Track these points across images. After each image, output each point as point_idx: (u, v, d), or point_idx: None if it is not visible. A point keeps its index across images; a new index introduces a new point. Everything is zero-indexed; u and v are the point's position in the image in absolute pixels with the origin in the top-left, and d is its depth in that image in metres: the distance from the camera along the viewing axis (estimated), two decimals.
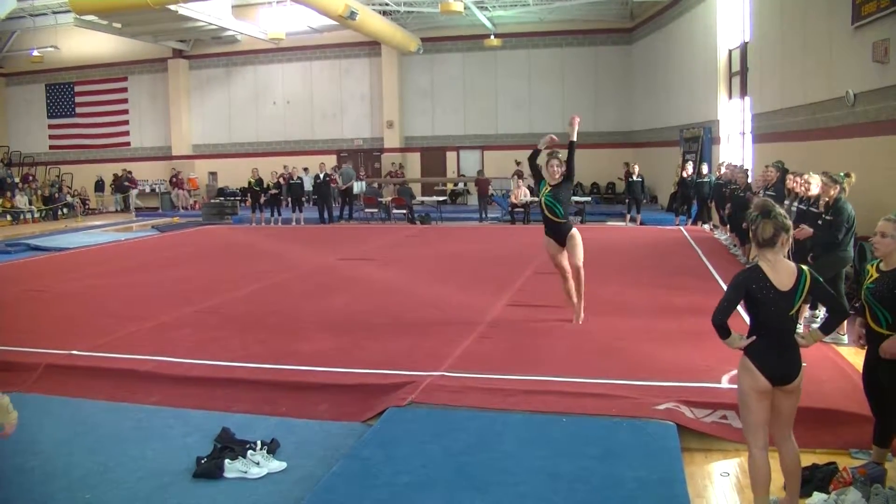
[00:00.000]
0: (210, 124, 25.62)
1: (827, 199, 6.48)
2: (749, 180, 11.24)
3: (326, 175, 18.92)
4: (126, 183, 24.52)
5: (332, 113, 24.64)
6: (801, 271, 3.31)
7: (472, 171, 23.54)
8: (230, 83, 25.31)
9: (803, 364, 3.37)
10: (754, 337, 3.33)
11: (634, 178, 16.82)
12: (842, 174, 6.50)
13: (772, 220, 3.28)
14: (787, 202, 8.60)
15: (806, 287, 3.28)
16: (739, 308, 3.48)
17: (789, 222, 3.34)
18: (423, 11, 21.01)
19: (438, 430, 4.43)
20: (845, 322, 6.20)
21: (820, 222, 6.64)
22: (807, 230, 6.58)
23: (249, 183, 19.04)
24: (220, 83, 25.43)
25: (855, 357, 5.81)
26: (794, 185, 7.79)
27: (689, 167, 16.03)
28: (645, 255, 11.68)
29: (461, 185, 23.90)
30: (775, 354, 3.30)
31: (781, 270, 3.29)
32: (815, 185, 7.13)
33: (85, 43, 24.64)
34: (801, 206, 7.58)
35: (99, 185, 25.05)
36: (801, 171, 7.97)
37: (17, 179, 23.78)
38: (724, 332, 3.37)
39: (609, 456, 4.00)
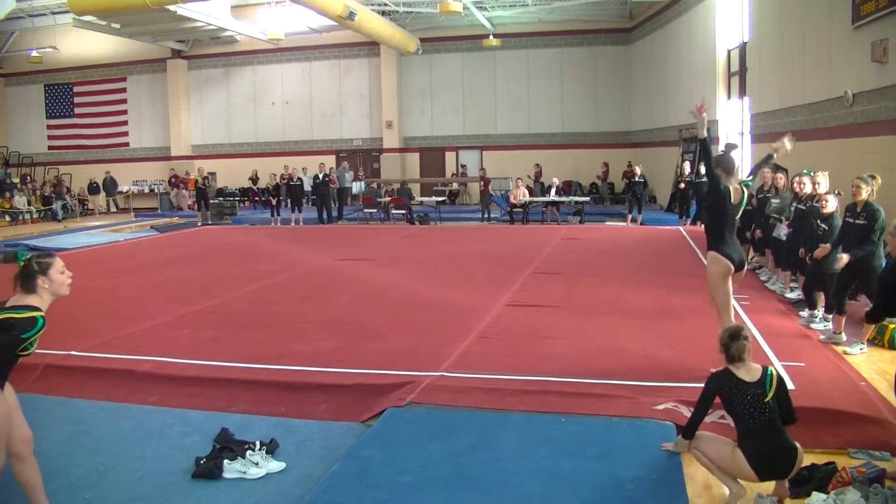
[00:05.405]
0: (209, 125, 25.60)
1: (857, 201, 6.13)
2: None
3: (326, 175, 18.92)
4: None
5: (331, 113, 24.63)
6: (765, 369, 3.60)
7: (471, 171, 23.53)
8: (229, 83, 25.29)
9: (800, 450, 3.53)
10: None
11: (637, 178, 16.93)
12: (866, 175, 6.22)
13: (745, 339, 3.60)
14: (776, 201, 8.63)
15: (774, 383, 3.54)
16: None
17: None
18: (422, 12, 21.01)
19: (438, 430, 4.43)
20: (843, 322, 6.21)
21: (820, 225, 6.61)
22: (825, 248, 6.34)
23: (195, 181, 20.33)
24: (219, 83, 25.41)
25: (854, 358, 5.83)
26: (796, 186, 7.78)
27: (687, 167, 16.06)
28: (645, 256, 11.68)
29: (455, 185, 23.88)
30: (770, 451, 3.46)
31: (749, 369, 3.61)
32: (823, 184, 7.08)
33: (84, 43, 24.60)
34: (799, 206, 7.61)
35: (93, 188, 24.95)
36: (800, 171, 7.98)
37: (15, 180, 23.73)
38: (691, 433, 3.76)
39: (609, 456, 4.00)
